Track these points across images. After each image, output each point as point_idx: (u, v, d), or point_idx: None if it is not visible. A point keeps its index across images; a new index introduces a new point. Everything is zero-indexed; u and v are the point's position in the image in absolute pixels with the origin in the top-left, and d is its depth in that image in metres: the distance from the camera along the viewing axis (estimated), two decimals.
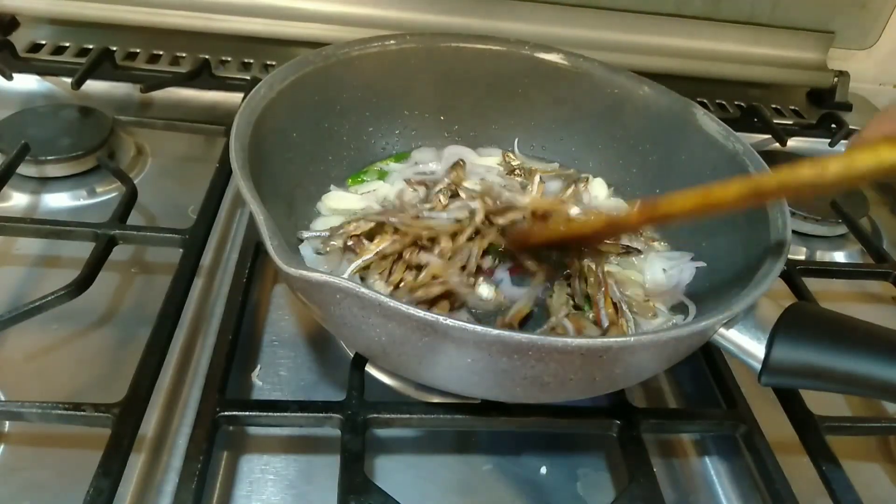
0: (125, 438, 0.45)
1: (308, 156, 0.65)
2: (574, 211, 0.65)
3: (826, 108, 1.05)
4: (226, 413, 0.48)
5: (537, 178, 0.69)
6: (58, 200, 0.70)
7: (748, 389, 0.56)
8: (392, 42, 0.68)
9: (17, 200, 0.69)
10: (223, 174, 0.69)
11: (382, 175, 0.69)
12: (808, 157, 0.90)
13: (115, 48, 0.92)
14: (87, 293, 0.54)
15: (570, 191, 0.69)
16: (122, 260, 0.62)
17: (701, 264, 0.61)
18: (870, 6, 1.04)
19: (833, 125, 1.00)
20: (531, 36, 0.74)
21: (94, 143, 0.73)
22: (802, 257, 0.79)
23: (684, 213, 0.48)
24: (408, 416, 0.50)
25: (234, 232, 0.68)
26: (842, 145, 1.00)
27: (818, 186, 0.40)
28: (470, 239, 0.58)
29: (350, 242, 0.57)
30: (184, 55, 0.95)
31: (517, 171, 0.71)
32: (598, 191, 0.71)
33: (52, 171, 0.71)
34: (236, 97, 0.85)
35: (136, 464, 0.47)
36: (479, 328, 0.39)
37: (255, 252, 0.61)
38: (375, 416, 0.49)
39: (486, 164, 0.72)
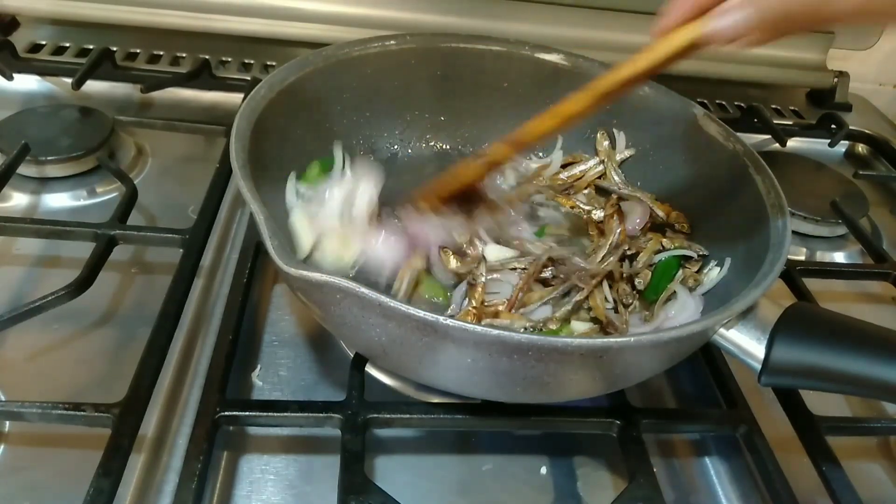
0: (125, 438, 0.45)
1: (308, 156, 0.64)
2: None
3: (826, 109, 1.04)
4: (226, 413, 0.48)
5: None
6: (58, 200, 0.70)
7: (748, 389, 0.56)
8: (392, 42, 0.68)
9: (18, 200, 0.69)
10: (223, 174, 0.69)
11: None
12: (808, 157, 0.91)
13: (115, 48, 0.91)
14: (87, 293, 0.54)
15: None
16: (122, 260, 0.62)
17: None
18: None
19: (833, 125, 1.00)
20: (531, 36, 0.74)
21: (95, 143, 0.73)
22: (802, 257, 0.79)
23: (544, 135, 0.55)
24: (408, 416, 0.50)
25: (234, 232, 0.68)
26: (841, 145, 1.00)
27: (636, 78, 0.49)
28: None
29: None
30: (184, 55, 0.94)
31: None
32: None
33: (53, 171, 0.71)
34: (236, 97, 0.85)
35: (136, 464, 0.47)
36: (478, 328, 0.39)
37: (255, 252, 0.61)
38: (375, 416, 0.49)
39: None
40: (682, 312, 0.57)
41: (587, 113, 0.52)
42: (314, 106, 0.64)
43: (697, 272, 0.60)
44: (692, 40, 0.44)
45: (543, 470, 0.52)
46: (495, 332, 0.39)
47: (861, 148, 1.01)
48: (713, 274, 0.60)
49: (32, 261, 0.62)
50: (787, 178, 0.56)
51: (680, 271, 0.61)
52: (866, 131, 1.01)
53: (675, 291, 0.58)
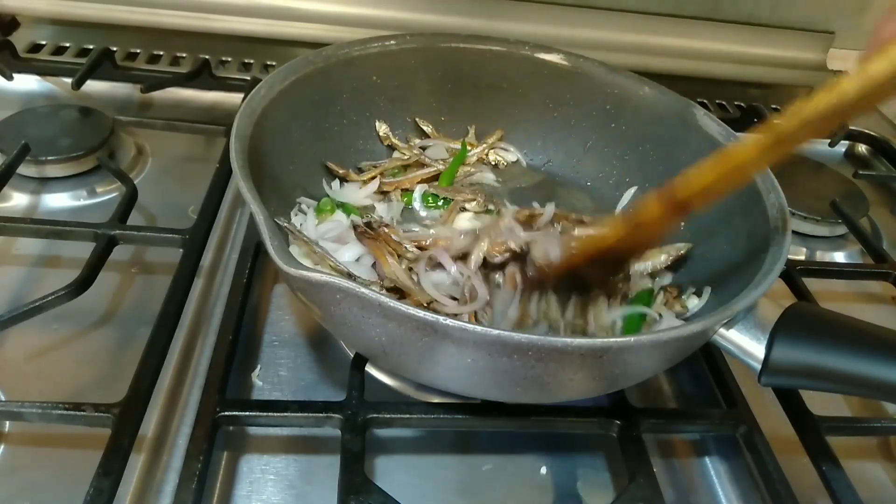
0: (125, 438, 0.45)
1: (308, 156, 0.65)
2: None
3: None
4: (226, 413, 0.48)
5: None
6: (58, 200, 0.70)
7: (748, 389, 0.56)
8: (392, 42, 0.68)
9: (18, 200, 0.69)
10: (223, 174, 0.69)
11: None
12: (808, 157, 0.91)
13: (115, 48, 0.92)
14: (87, 293, 0.54)
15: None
16: (122, 260, 0.62)
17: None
18: (870, 7, 1.04)
19: None
20: (531, 36, 0.74)
21: (95, 143, 0.73)
22: (802, 257, 0.79)
23: (708, 190, 0.44)
24: (408, 416, 0.50)
25: (234, 232, 0.68)
26: (841, 145, 1.00)
27: (841, 110, 0.36)
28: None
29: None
30: (184, 55, 0.95)
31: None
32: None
33: (53, 171, 0.71)
34: (236, 97, 0.85)
35: (136, 464, 0.47)
36: (478, 328, 0.39)
37: (255, 252, 0.61)
38: (375, 416, 0.49)
39: None
40: None
41: (764, 160, 0.41)
42: (314, 106, 0.64)
43: (676, 297, 0.58)
44: None
45: (543, 470, 0.52)
46: (495, 332, 0.39)
47: (861, 148, 1.01)
48: (692, 301, 0.58)
49: (32, 261, 0.62)
50: (787, 177, 0.56)
51: (661, 295, 0.58)
52: (866, 131, 1.01)
53: (660, 315, 0.56)
